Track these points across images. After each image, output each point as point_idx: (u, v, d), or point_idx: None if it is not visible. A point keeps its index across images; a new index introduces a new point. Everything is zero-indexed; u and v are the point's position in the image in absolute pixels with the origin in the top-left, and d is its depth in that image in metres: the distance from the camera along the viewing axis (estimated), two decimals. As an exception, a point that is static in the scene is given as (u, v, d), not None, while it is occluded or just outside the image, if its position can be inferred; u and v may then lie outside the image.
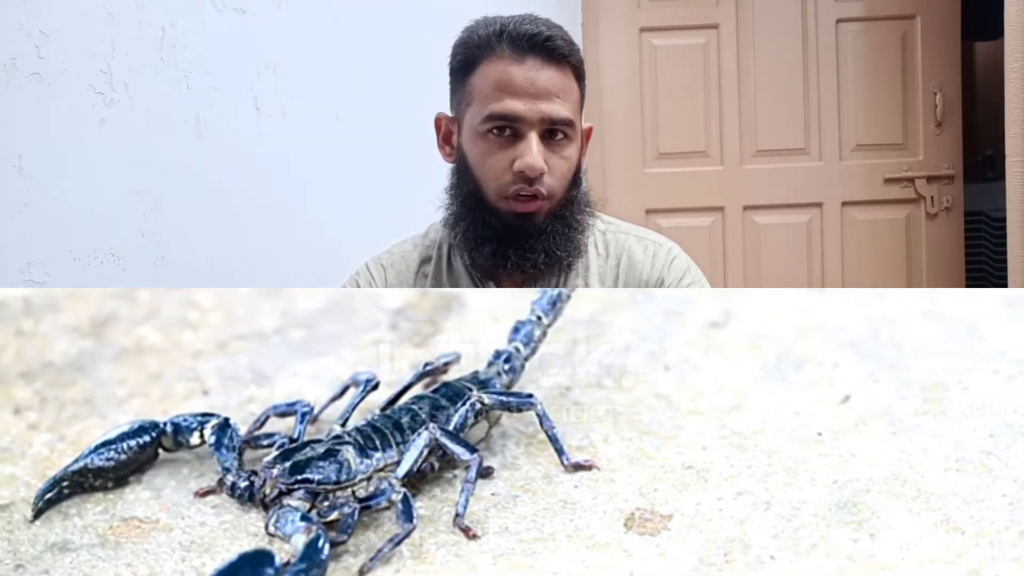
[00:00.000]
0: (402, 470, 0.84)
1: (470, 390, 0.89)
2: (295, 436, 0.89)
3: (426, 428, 0.85)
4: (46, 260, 2.05)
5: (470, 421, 0.87)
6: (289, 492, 0.83)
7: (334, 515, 0.82)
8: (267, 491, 0.83)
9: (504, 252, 1.11)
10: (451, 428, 0.86)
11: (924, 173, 2.69)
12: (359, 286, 1.20)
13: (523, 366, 0.94)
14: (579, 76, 1.13)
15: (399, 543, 0.79)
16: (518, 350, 0.93)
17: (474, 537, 0.81)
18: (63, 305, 1.06)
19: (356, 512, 0.81)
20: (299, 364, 0.98)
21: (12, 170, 2.01)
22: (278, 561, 0.75)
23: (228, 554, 0.81)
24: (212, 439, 0.88)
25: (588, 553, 0.80)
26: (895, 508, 0.82)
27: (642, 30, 2.69)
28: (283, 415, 0.91)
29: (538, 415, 0.87)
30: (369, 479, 0.84)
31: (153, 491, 0.88)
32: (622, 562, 0.79)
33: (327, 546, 0.77)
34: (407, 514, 0.80)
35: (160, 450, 0.90)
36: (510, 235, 1.10)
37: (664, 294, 1.04)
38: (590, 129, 1.20)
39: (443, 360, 0.95)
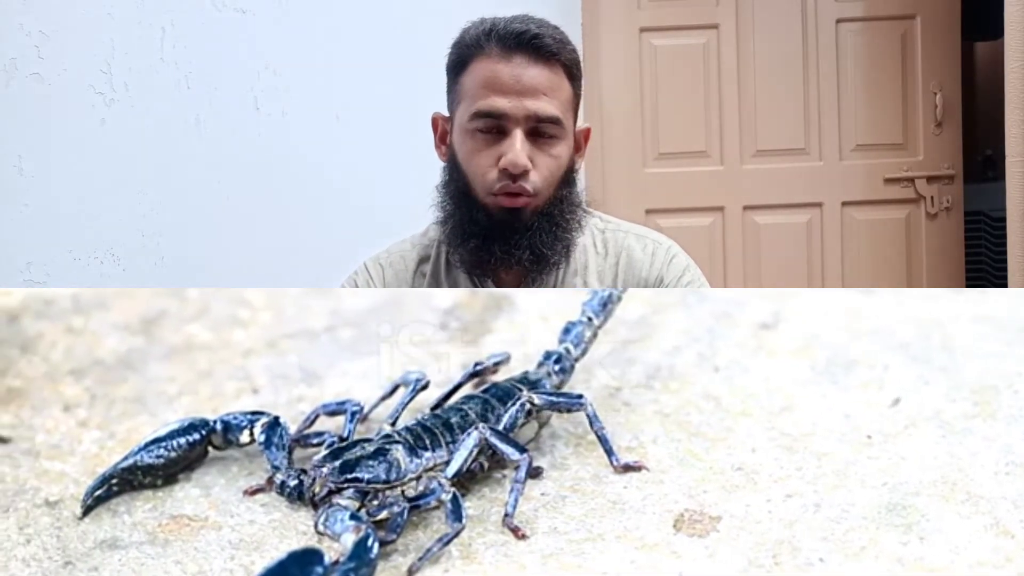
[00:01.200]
0: (451, 470, 0.84)
1: (520, 390, 0.89)
2: (344, 435, 0.89)
3: (476, 428, 0.85)
4: (46, 260, 2.05)
5: (520, 421, 0.87)
6: (339, 491, 0.83)
7: (383, 514, 0.81)
8: (316, 490, 0.83)
9: (489, 247, 1.11)
10: (501, 428, 0.86)
11: (924, 173, 2.69)
12: (357, 285, 1.21)
13: (573, 367, 0.93)
14: (571, 75, 1.13)
15: (448, 543, 0.79)
16: (568, 351, 0.93)
17: (523, 537, 0.81)
18: (112, 303, 1.06)
19: (406, 511, 0.81)
20: (348, 363, 0.99)
21: (12, 170, 2.01)
22: (327, 560, 0.74)
23: (277, 552, 0.81)
24: (262, 437, 0.87)
25: (637, 554, 0.79)
26: (945, 511, 0.82)
27: (642, 30, 2.69)
28: (333, 414, 0.91)
29: (588, 416, 0.87)
30: (419, 478, 0.84)
31: (202, 489, 0.88)
32: (671, 563, 0.79)
33: (376, 545, 0.76)
34: (456, 514, 0.80)
35: (210, 448, 0.90)
36: (496, 231, 1.11)
37: (714, 295, 1.03)
38: (588, 130, 1.20)
39: (493, 360, 0.95)
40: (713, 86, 2.69)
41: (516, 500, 0.82)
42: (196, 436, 0.88)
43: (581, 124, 1.19)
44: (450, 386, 0.92)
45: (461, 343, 1.00)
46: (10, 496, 0.88)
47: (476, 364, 0.94)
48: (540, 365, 0.93)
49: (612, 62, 2.69)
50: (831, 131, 2.69)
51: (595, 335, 0.94)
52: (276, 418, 0.88)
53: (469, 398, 0.90)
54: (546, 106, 1.09)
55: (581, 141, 1.19)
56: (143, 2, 2.13)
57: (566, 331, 0.94)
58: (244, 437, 0.88)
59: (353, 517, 0.79)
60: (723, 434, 0.89)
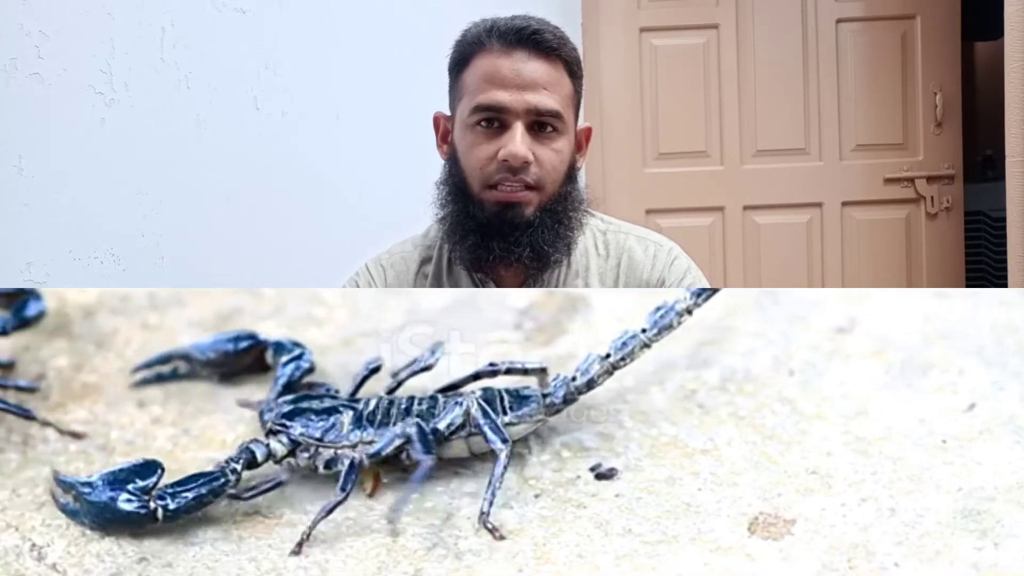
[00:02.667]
0: (373, 449, 0.86)
1: (500, 400, 0.89)
2: (352, 390, 0.94)
3: (404, 420, 0.87)
4: (46, 260, 2.05)
5: (454, 425, 0.87)
6: (275, 432, 0.88)
7: (304, 464, 0.87)
8: (266, 425, 0.90)
9: (487, 244, 1.11)
10: (433, 427, 0.87)
11: (924, 173, 2.69)
12: (359, 286, 1.21)
13: (571, 398, 0.91)
14: (572, 72, 1.14)
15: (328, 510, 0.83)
16: (574, 379, 0.90)
17: (501, 538, 0.82)
18: (188, 300, 1.07)
19: (354, 470, 0.84)
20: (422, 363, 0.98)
21: (12, 170, 2.01)
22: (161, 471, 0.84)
23: (351, 550, 0.82)
24: (282, 362, 0.95)
25: (711, 556, 0.80)
26: (1020, 517, 0.81)
27: (642, 30, 2.69)
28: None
29: (498, 463, 0.85)
30: (354, 447, 0.87)
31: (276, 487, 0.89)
32: (745, 566, 0.79)
33: (222, 483, 0.84)
34: (345, 481, 0.84)
35: (266, 362, 0.98)
36: (494, 227, 1.11)
37: (789, 297, 1.03)
38: (589, 129, 1.20)
39: (525, 366, 0.94)
40: (713, 86, 2.69)
41: (404, 500, 0.83)
42: (246, 343, 0.98)
43: (582, 124, 1.19)
44: (456, 379, 0.93)
45: (536, 344, 1.00)
46: None
47: (490, 364, 0.94)
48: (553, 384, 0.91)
49: (612, 62, 2.69)
50: (831, 131, 2.69)
51: (616, 366, 0.91)
52: (309, 358, 0.96)
53: (458, 393, 0.91)
54: (546, 100, 1.10)
55: (582, 140, 1.19)
56: (143, 2, 2.13)
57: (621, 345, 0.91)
58: (283, 359, 0.96)
59: (248, 451, 0.86)
60: (798, 437, 0.89)
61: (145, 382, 1.00)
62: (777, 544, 0.80)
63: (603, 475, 0.87)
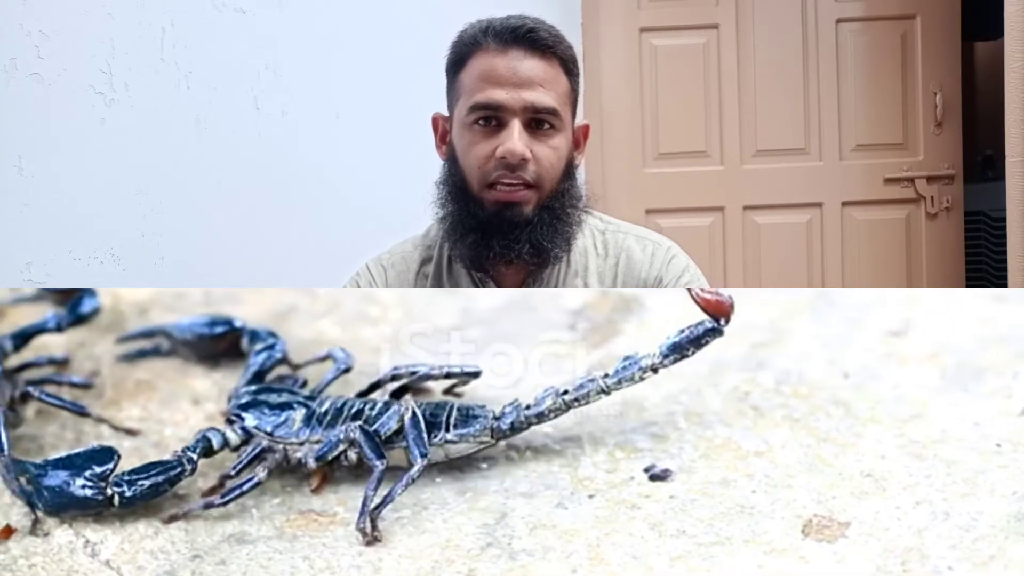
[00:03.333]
0: (318, 451, 0.87)
1: (447, 414, 0.89)
2: (322, 385, 0.95)
3: (347, 424, 0.88)
4: (46, 260, 2.05)
5: (388, 430, 0.87)
6: (231, 422, 0.90)
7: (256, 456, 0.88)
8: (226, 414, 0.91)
9: (487, 242, 1.12)
10: (373, 430, 0.87)
11: (924, 173, 2.69)
12: (359, 286, 1.21)
13: (519, 426, 0.89)
14: (568, 70, 1.14)
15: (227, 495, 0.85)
16: (528, 408, 0.89)
17: (371, 542, 0.82)
18: (244, 298, 1.08)
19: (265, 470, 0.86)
20: (477, 362, 0.99)
21: (12, 170, 2.01)
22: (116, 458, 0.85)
23: (405, 549, 0.82)
24: (256, 350, 0.97)
25: (765, 558, 0.80)
26: None
27: (642, 30, 2.69)
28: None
29: (408, 475, 0.85)
30: (301, 445, 0.88)
31: (331, 485, 0.89)
32: (799, 568, 0.79)
33: (178, 471, 0.86)
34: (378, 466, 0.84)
35: (241, 348, 0.99)
36: (493, 225, 1.11)
37: (845, 300, 1.03)
38: (586, 127, 1.20)
39: (463, 369, 0.94)
40: (713, 86, 2.69)
41: (364, 503, 0.83)
42: (222, 328, 1.00)
43: (580, 121, 1.20)
44: (375, 378, 0.95)
45: (590, 344, 1.00)
46: None
47: (395, 368, 0.95)
48: (509, 409, 0.90)
49: (612, 62, 2.69)
50: (831, 131, 2.69)
51: (568, 405, 0.89)
52: (281, 348, 0.97)
53: (395, 399, 0.92)
54: (543, 97, 1.10)
55: (580, 137, 1.19)
56: (143, 2, 2.13)
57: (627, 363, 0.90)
58: (256, 347, 0.97)
59: (206, 453, 0.87)
60: (852, 440, 0.90)
61: (128, 357, 1.02)
62: (831, 547, 0.80)
63: (657, 476, 0.87)
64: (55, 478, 0.84)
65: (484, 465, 0.90)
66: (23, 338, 1.01)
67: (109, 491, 0.85)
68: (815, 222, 2.71)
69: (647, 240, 1.20)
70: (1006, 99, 2.07)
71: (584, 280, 1.18)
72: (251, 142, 2.25)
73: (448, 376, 0.95)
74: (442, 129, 1.19)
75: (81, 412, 0.95)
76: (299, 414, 0.90)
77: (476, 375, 0.95)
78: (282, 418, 0.89)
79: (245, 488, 0.86)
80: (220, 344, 1.01)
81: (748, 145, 2.70)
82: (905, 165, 2.70)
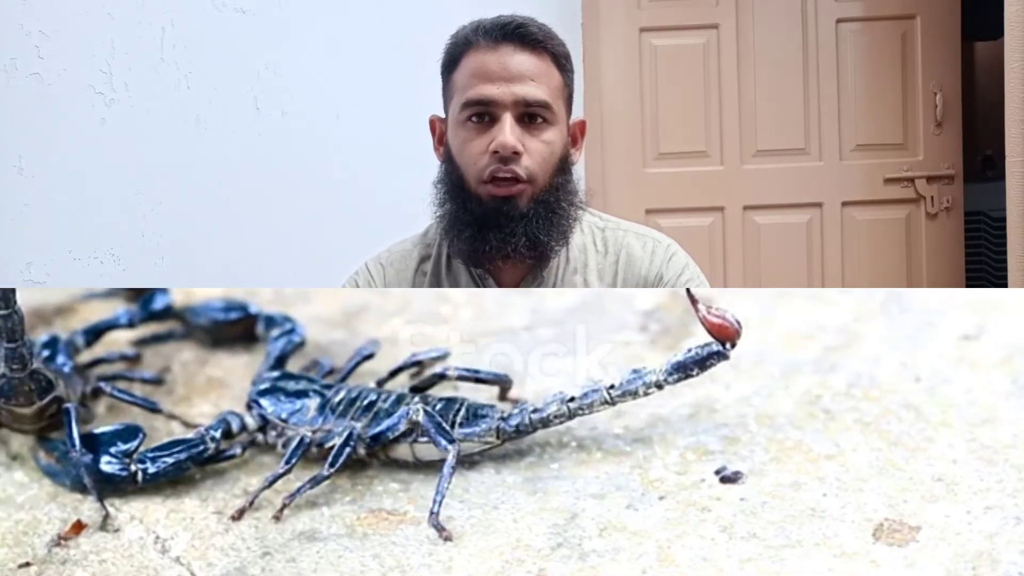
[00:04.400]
0: (327, 443, 0.89)
1: (456, 412, 0.90)
2: (345, 372, 0.96)
3: (353, 424, 0.89)
4: (46, 260, 2.05)
5: (397, 429, 0.88)
6: (250, 407, 0.92)
7: (276, 443, 0.90)
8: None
9: (484, 236, 1.12)
10: (376, 431, 0.88)
11: (924, 173, 2.69)
12: (358, 285, 1.21)
13: (525, 429, 0.89)
14: (560, 65, 1.14)
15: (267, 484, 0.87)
16: (535, 411, 0.89)
17: (448, 538, 0.82)
18: (315, 297, 1.08)
19: (300, 447, 0.88)
20: (547, 361, 0.99)
21: (12, 170, 2.01)
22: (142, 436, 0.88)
23: (476, 548, 0.83)
24: (273, 336, 0.98)
25: (835, 562, 0.79)
26: None
27: (642, 30, 2.69)
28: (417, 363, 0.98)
29: (447, 463, 0.86)
30: (314, 433, 0.89)
31: (401, 484, 0.89)
32: (870, 572, 0.79)
33: (200, 450, 0.88)
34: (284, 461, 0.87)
35: (256, 334, 1.01)
36: (490, 219, 1.11)
37: (917, 303, 1.03)
38: (583, 123, 1.21)
39: (430, 355, 0.96)
40: (713, 86, 2.69)
41: (440, 495, 0.84)
42: (236, 314, 1.01)
43: (576, 117, 1.20)
44: (391, 368, 0.96)
45: (661, 346, 1.00)
46: (209, 485, 0.90)
47: (414, 355, 0.97)
48: (515, 410, 0.90)
49: (612, 62, 2.69)
50: (831, 131, 2.69)
51: (573, 413, 0.89)
52: (300, 333, 0.99)
53: (424, 396, 0.92)
54: (534, 91, 1.11)
55: (577, 133, 1.19)
56: (143, 2, 2.13)
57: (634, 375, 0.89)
58: (274, 333, 0.99)
59: (226, 435, 0.89)
60: (923, 444, 0.89)
61: (142, 342, 1.02)
62: (902, 551, 0.80)
63: (728, 478, 0.87)
64: (82, 456, 0.86)
65: (555, 466, 0.90)
66: (95, 334, 1.02)
67: (133, 467, 0.86)
68: (815, 222, 2.71)
69: (647, 237, 1.21)
70: (1006, 99, 2.07)
71: (584, 277, 1.18)
72: (251, 142, 2.25)
73: (477, 380, 0.95)
74: (439, 131, 1.20)
75: (153, 408, 0.96)
76: (314, 402, 0.91)
77: (504, 380, 0.95)
78: (297, 406, 0.91)
79: (277, 475, 0.87)
80: (235, 329, 1.02)
81: (748, 145, 2.70)
82: (905, 165, 2.70)
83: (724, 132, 2.70)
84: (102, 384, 0.96)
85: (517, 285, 1.16)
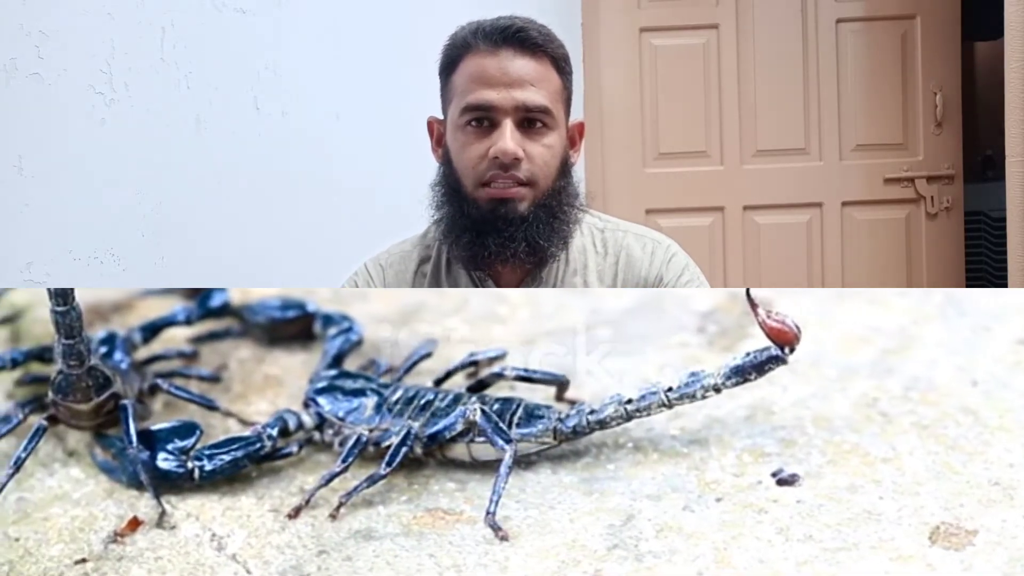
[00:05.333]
0: (377, 438, 0.90)
1: (513, 412, 0.90)
2: (402, 372, 0.97)
3: (409, 424, 0.90)
4: (46, 260, 2.04)
5: (453, 430, 0.89)
6: (307, 406, 0.93)
7: (333, 442, 0.91)
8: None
9: (483, 241, 1.12)
10: (432, 431, 0.89)
11: (924, 173, 2.69)
12: (357, 286, 1.21)
13: (582, 431, 0.90)
14: (560, 68, 1.15)
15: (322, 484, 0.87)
16: (592, 412, 0.89)
17: (504, 538, 0.83)
18: (372, 296, 1.09)
19: (357, 446, 0.88)
20: (605, 362, 0.99)
21: (12, 170, 2.01)
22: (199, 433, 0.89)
23: (532, 548, 0.83)
24: (331, 335, 0.99)
25: (891, 565, 0.79)
26: None
27: (642, 30, 2.69)
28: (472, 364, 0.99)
29: (504, 463, 0.86)
30: (371, 432, 0.90)
31: (458, 483, 0.89)
32: (926, 575, 0.78)
33: (257, 448, 0.89)
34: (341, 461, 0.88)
35: (313, 332, 1.02)
36: (488, 223, 1.11)
37: (974, 306, 1.03)
38: (581, 125, 1.21)
39: (487, 355, 0.97)
40: (713, 86, 2.69)
41: (496, 495, 0.84)
42: (294, 312, 1.02)
43: (576, 119, 1.20)
44: (448, 368, 0.96)
45: (719, 347, 1.00)
46: (265, 483, 0.90)
47: (471, 354, 0.97)
48: (572, 410, 0.91)
49: (612, 62, 2.69)
50: (831, 131, 2.69)
51: (630, 415, 0.89)
52: (357, 331, 1.00)
53: (482, 396, 0.93)
54: (534, 96, 1.11)
55: (575, 135, 1.19)
56: (143, 2, 2.13)
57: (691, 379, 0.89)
58: (331, 332, 0.99)
59: (282, 432, 0.90)
60: (980, 448, 0.89)
61: (199, 340, 1.03)
62: (958, 555, 0.80)
63: (784, 481, 0.88)
64: (139, 452, 0.87)
65: (611, 466, 0.90)
66: (152, 331, 1.02)
67: (190, 464, 0.87)
68: (815, 222, 2.71)
69: (646, 238, 1.20)
70: (1006, 99, 2.07)
71: (584, 279, 1.18)
72: (251, 142, 2.24)
73: (534, 380, 0.95)
74: (437, 132, 1.20)
75: (209, 406, 0.96)
76: (371, 401, 0.92)
77: (561, 381, 0.95)
78: (354, 404, 0.92)
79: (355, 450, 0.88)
80: (292, 328, 1.02)
81: (748, 145, 2.70)
82: (905, 165, 2.70)
83: (724, 132, 2.70)
84: (159, 381, 0.97)
85: (516, 287, 1.16)
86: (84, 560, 0.84)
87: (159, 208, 2.14)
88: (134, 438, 0.88)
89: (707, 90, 2.69)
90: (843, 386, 0.96)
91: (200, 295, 1.04)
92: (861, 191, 2.70)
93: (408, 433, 0.88)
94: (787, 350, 0.87)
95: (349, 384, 0.94)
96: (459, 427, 0.88)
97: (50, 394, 0.92)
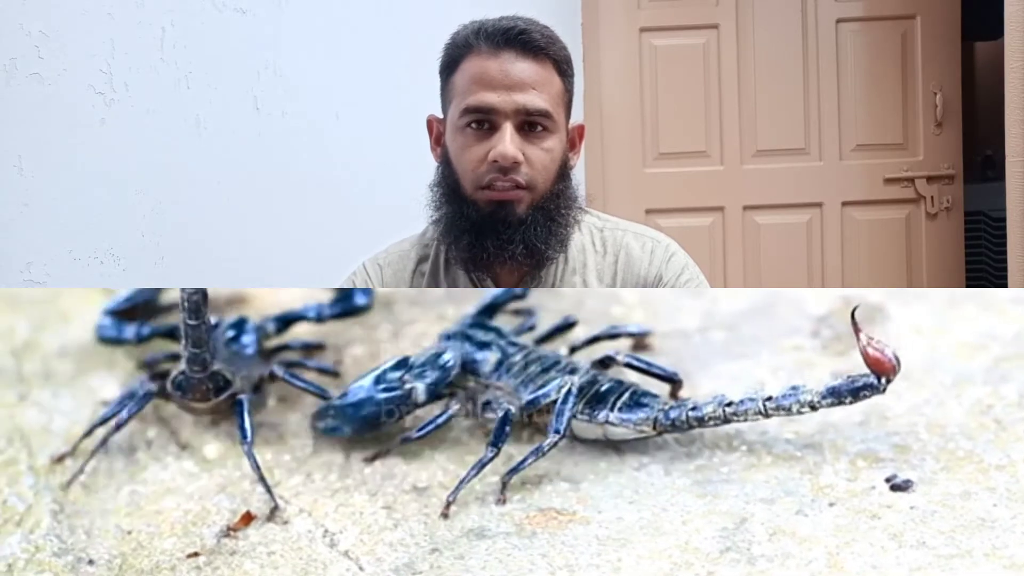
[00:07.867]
0: (489, 411, 0.91)
1: (618, 396, 0.91)
2: (543, 335, 0.99)
3: (510, 402, 0.91)
4: (46, 260, 2.05)
5: (546, 400, 0.90)
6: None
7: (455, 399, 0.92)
8: None
9: (482, 243, 1.12)
10: (529, 398, 0.90)
11: (924, 173, 2.69)
12: (355, 286, 1.21)
13: (681, 426, 0.90)
14: (561, 71, 1.14)
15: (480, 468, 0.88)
16: (694, 408, 0.90)
17: (503, 502, 0.85)
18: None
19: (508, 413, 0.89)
20: (720, 364, 0.99)
21: (12, 170, 2.01)
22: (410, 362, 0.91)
23: (644, 550, 0.83)
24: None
25: (1005, 572, 0.79)
26: None
27: (642, 30, 2.69)
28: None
29: (540, 447, 0.88)
30: (486, 388, 0.92)
31: (571, 483, 0.89)
32: None
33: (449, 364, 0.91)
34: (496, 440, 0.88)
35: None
36: (487, 225, 1.11)
37: None
38: (581, 127, 1.20)
39: (650, 367, 0.97)
40: (713, 86, 2.69)
41: (461, 483, 0.87)
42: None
43: (576, 121, 1.20)
44: (587, 336, 0.98)
45: (832, 352, 1.00)
46: (378, 480, 0.90)
47: (612, 327, 0.99)
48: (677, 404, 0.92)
49: (612, 62, 2.69)
50: (831, 131, 2.69)
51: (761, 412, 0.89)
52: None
53: (592, 369, 0.94)
54: (535, 99, 1.10)
55: (575, 138, 1.19)
56: (143, 2, 2.13)
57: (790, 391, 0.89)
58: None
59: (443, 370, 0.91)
60: None
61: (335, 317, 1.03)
62: None
63: (898, 487, 0.87)
64: (357, 393, 0.89)
65: (724, 469, 0.90)
66: (285, 323, 1.03)
67: (407, 386, 0.89)
68: (815, 222, 2.71)
69: (645, 237, 1.20)
70: (1006, 99, 2.07)
71: (583, 278, 1.18)
72: (251, 142, 2.25)
73: (647, 372, 0.95)
74: (436, 131, 1.19)
75: (323, 396, 0.96)
76: (494, 357, 0.93)
77: (674, 378, 0.96)
78: (477, 356, 0.93)
79: (439, 421, 0.90)
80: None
81: (748, 145, 2.70)
82: (905, 165, 2.70)
83: (724, 132, 2.70)
84: (275, 368, 0.97)
85: (515, 287, 1.16)
86: (196, 554, 0.84)
87: (159, 208, 2.14)
88: (248, 433, 0.89)
89: (707, 90, 2.69)
90: (957, 392, 0.95)
91: (338, 296, 1.05)
92: (861, 191, 2.70)
93: (507, 413, 0.89)
94: (883, 380, 0.87)
95: (479, 335, 0.95)
96: (552, 396, 0.89)
97: (169, 387, 0.93)
